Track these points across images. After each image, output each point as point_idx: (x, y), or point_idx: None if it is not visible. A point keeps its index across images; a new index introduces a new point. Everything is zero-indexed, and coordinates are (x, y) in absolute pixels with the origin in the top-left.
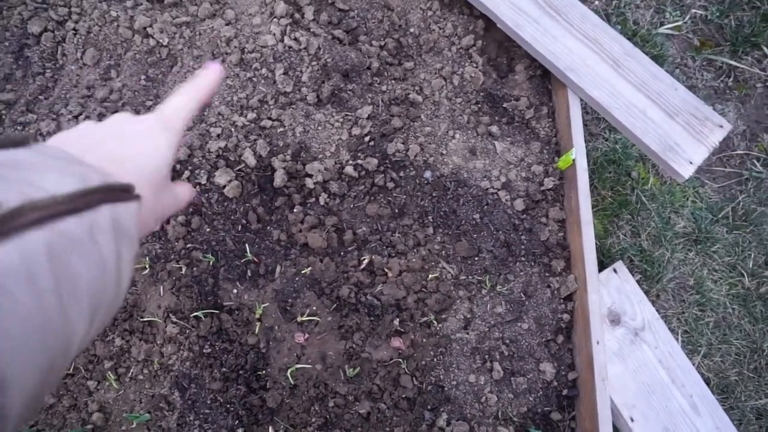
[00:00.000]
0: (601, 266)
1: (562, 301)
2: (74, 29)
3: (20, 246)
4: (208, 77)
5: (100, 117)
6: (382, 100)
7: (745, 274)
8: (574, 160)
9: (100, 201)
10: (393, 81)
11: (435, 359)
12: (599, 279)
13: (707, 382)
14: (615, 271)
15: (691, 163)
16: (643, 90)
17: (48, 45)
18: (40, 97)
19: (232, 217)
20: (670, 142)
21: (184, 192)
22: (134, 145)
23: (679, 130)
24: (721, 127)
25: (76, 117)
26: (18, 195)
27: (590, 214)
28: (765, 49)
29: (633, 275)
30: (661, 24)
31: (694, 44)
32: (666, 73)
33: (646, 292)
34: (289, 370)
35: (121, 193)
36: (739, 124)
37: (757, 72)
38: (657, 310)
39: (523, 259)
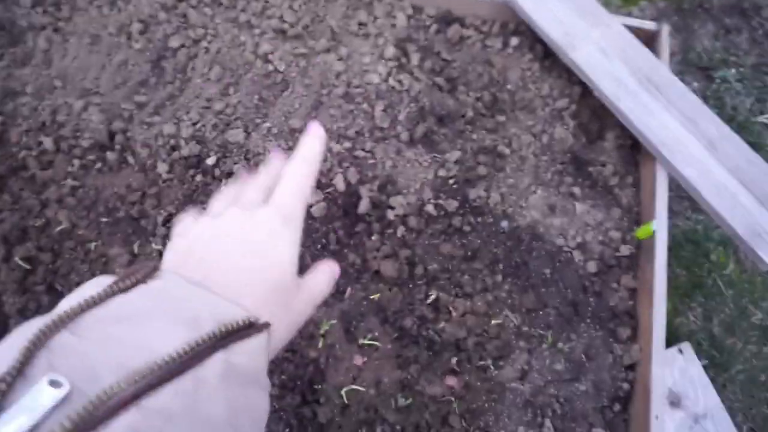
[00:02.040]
0: (667, 344)
1: (623, 369)
2: (206, 48)
3: None
4: (314, 148)
5: (214, 127)
6: (471, 148)
7: None
8: (654, 231)
9: (211, 350)
10: (484, 131)
11: (486, 405)
12: (664, 357)
13: None
14: (680, 351)
15: None
16: (737, 174)
17: (182, 59)
18: (167, 102)
19: (314, 236)
20: (758, 229)
21: (322, 280)
22: (255, 254)
23: None
24: None
25: (194, 124)
26: (114, 366)
27: (665, 287)
28: None
29: (700, 359)
30: (761, 113)
31: None
32: (762, 160)
33: (712, 380)
34: (344, 390)
35: (243, 331)
36: None
37: None
38: (722, 401)
39: (588, 320)
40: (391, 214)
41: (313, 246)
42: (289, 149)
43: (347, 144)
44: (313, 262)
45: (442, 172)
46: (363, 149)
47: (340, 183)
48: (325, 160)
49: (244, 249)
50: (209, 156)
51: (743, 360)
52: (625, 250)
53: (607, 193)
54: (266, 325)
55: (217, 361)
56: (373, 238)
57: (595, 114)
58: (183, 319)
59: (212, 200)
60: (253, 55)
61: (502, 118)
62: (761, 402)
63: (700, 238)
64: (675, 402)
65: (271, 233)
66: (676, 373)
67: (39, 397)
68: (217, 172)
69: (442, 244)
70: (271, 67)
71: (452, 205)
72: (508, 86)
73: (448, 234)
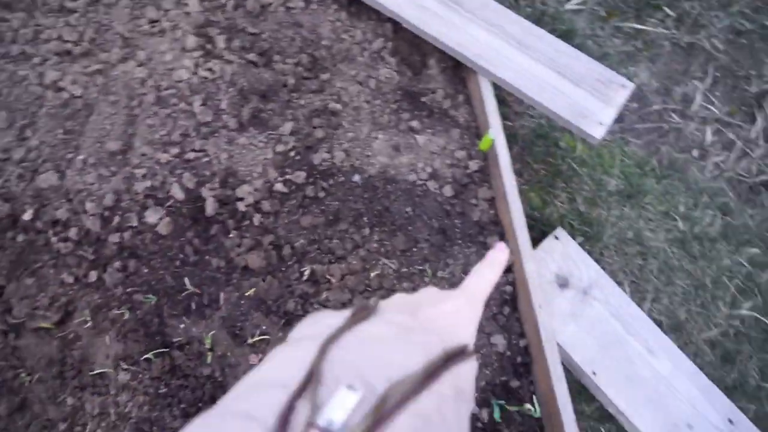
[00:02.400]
0: (544, 236)
1: (503, 274)
2: None
3: None
4: (499, 259)
5: (20, 178)
6: (303, 115)
7: (678, 218)
8: (493, 140)
9: (442, 369)
10: (311, 94)
11: None
12: (543, 247)
13: (659, 324)
14: (556, 237)
15: (601, 124)
16: (549, 64)
17: None
18: None
19: (169, 254)
20: (579, 108)
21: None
22: (447, 316)
23: (587, 96)
24: (624, 87)
25: None
26: (381, 379)
27: (515, 187)
28: (666, 9)
29: (575, 239)
30: (568, 1)
31: (601, 15)
32: (568, 46)
33: (590, 252)
34: None
35: (460, 355)
36: (652, 81)
37: (662, 31)
38: (602, 267)
39: (459, 242)
40: (241, 206)
41: (171, 264)
42: (112, 175)
43: (174, 150)
44: (176, 281)
45: (280, 148)
46: (193, 150)
47: (177, 192)
48: (155, 173)
49: (437, 311)
50: (24, 210)
51: (611, 225)
52: (473, 165)
53: (444, 117)
54: (473, 354)
55: (448, 379)
56: (231, 235)
57: (412, 45)
58: (415, 343)
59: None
60: (40, 87)
61: (325, 76)
62: (634, 256)
63: (546, 131)
64: (563, 284)
65: (459, 307)
66: (558, 258)
67: (345, 399)
68: (39, 224)
69: (302, 218)
70: (65, 95)
71: (300, 176)
72: (323, 42)
73: (305, 206)
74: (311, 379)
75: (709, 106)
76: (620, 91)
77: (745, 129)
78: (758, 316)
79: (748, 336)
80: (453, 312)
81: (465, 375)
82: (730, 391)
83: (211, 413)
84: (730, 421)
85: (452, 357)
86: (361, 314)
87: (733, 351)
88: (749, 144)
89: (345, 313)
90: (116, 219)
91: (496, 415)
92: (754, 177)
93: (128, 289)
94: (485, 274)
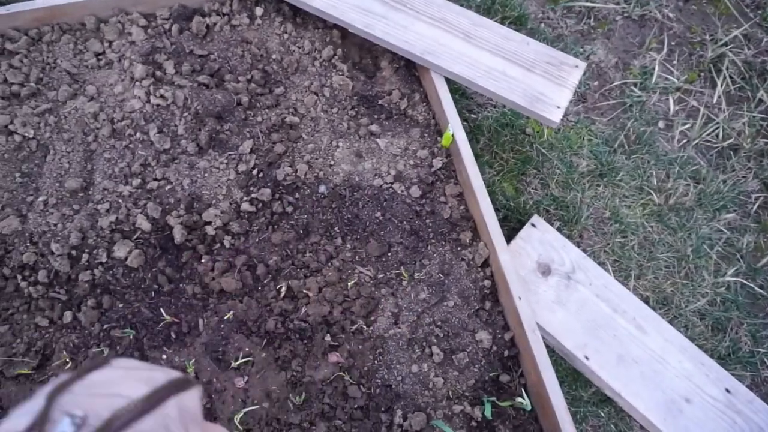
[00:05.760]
0: (521, 225)
1: (479, 269)
2: None
3: None
4: None
5: None
6: (261, 131)
7: (652, 191)
8: (453, 135)
9: (166, 396)
10: (267, 109)
11: (375, 362)
12: (521, 237)
13: (646, 301)
14: (533, 225)
15: (558, 107)
16: (499, 53)
17: None
18: None
19: (143, 286)
20: (534, 93)
21: None
22: None
23: (540, 80)
24: (577, 67)
25: None
26: (105, 408)
27: (481, 180)
28: None
29: (552, 224)
30: None
31: None
32: (516, 32)
33: (569, 236)
34: (237, 417)
35: (183, 384)
36: (610, 58)
37: (612, 7)
38: (583, 249)
39: (433, 241)
40: (210, 230)
41: (146, 296)
42: (75, 213)
43: (136, 181)
44: (152, 312)
45: (242, 167)
46: (155, 179)
47: (144, 223)
48: (119, 207)
49: None
50: None
51: (586, 207)
52: (437, 163)
53: (403, 118)
54: (197, 383)
55: (173, 403)
56: (203, 260)
57: (362, 49)
58: (143, 379)
59: None
60: None
61: (279, 90)
62: (613, 234)
63: (511, 119)
64: (545, 271)
65: None
66: (537, 246)
67: (66, 425)
68: (6, 271)
69: (272, 235)
70: (18, 138)
71: (266, 193)
72: (273, 56)
73: (274, 222)
74: (41, 421)
75: (669, 76)
76: (573, 71)
77: (707, 95)
78: (743, 281)
79: (735, 302)
80: None
81: (190, 398)
82: (724, 360)
83: None
84: (728, 391)
85: (176, 385)
86: (91, 365)
87: (722, 319)
88: (712, 109)
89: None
90: (85, 257)
91: (487, 412)
92: (721, 142)
93: (105, 326)
94: None
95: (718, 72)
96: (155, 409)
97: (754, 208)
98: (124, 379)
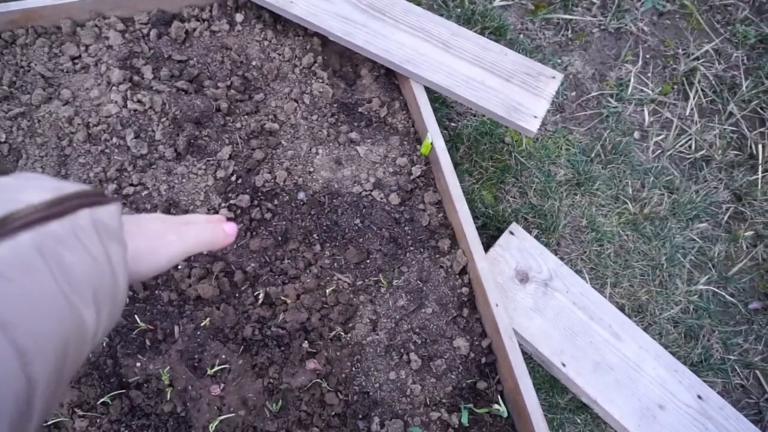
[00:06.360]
0: (500, 232)
1: (457, 276)
2: None
3: (11, 245)
4: (219, 238)
5: None
6: (240, 137)
7: (627, 201)
8: (432, 143)
9: (77, 206)
10: (246, 116)
11: (353, 369)
12: (499, 244)
13: (621, 308)
14: (512, 233)
15: (535, 117)
16: (477, 63)
17: None
18: None
19: None
20: (512, 103)
21: (193, 234)
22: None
23: (518, 90)
24: (554, 78)
25: None
26: (1, 210)
27: (459, 188)
28: None
29: (530, 232)
30: None
31: (529, 9)
32: (495, 43)
33: (546, 244)
34: (212, 425)
35: (97, 197)
36: (587, 69)
37: (589, 19)
38: (560, 257)
39: (411, 248)
40: None
41: None
42: None
43: (112, 186)
44: (126, 319)
45: (220, 173)
46: (131, 184)
47: None
48: None
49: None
50: None
51: (564, 215)
52: (416, 170)
53: (383, 126)
54: (117, 199)
55: (85, 213)
56: (179, 267)
57: (342, 57)
58: (47, 187)
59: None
60: None
61: (259, 96)
62: (590, 242)
63: (490, 128)
64: (523, 278)
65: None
66: (515, 253)
67: None
68: None
69: (250, 242)
70: None
71: (244, 200)
72: (253, 63)
73: (252, 229)
74: None
75: (644, 88)
76: (550, 82)
77: (680, 107)
78: (715, 289)
79: (707, 310)
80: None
81: (107, 212)
82: (696, 366)
83: None
84: (700, 397)
85: (88, 195)
86: None
87: (695, 327)
88: (685, 121)
89: None
90: None
91: (464, 419)
92: (693, 153)
93: None
94: (198, 238)
95: (690, 85)
96: (63, 217)
97: (725, 218)
98: (26, 188)
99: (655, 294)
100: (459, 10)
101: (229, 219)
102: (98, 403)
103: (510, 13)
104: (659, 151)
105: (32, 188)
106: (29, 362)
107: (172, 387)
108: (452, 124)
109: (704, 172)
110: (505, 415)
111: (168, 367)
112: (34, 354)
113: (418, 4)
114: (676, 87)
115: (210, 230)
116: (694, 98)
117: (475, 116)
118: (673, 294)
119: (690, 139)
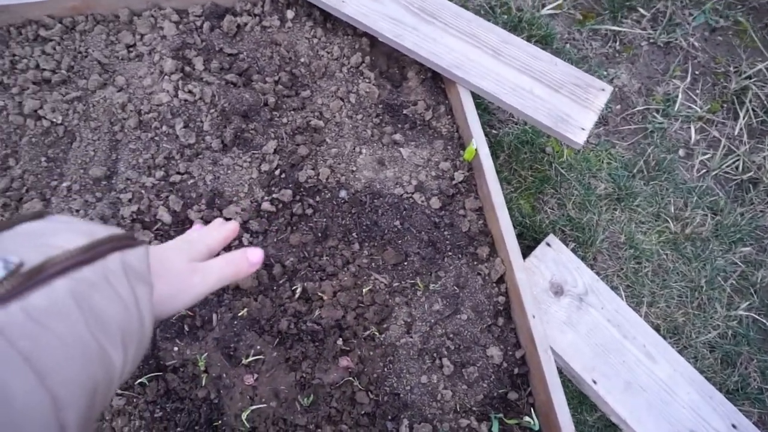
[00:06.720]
0: (536, 243)
1: (494, 284)
2: None
3: (48, 292)
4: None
5: (5, 207)
6: (285, 132)
7: (669, 219)
8: (476, 149)
9: (109, 250)
10: (292, 112)
11: (385, 369)
12: (535, 255)
13: (657, 329)
14: (548, 244)
15: (583, 129)
16: (526, 71)
17: None
18: None
19: None
20: (560, 114)
21: (218, 266)
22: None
23: (566, 101)
24: (603, 90)
25: None
26: (39, 255)
27: (501, 196)
28: (641, 10)
29: (567, 245)
30: (543, 6)
31: (577, 18)
32: (544, 52)
33: (583, 258)
34: (244, 414)
35: (127, 240)
36: (633, 83)
37: (639, 32)
38: (597, 272)
39: (449, 253)
40: None
41: None
42: (98, 201)
43: (159, 173)
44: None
45: (265, 167)
46: (178, 172)
47: (165, 215)
48: (141, 197)
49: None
50: None
51: (602, 230)
52: (459, 176)
53: (427, 129)
54: (144, 242)
55: (116, 257)
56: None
57: (390, 58)
58: (80, 231)
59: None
60: (20, 116)
61: (306, 93)
62: (628, 259)
63: (532, 137)
64: (558, 291)
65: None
66: (551, 265)
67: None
68: None
69: (291, 236)
70: (46, 123)
71: (287, 194)
72: (301, 60)
73: (293, 224)
74: None
75: (692, 105)
76: (600, 95)
77: (729, 126)
78: (756, 316)
79: (746, 337)
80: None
81: (135, 256)
82: (732, 394)
83: None
84: (734, 426)
85: (119, 239)
86: (22, 217)
87: (732, 353)
88: (733, 141)
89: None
90: None
91: (495, 429)
92: (740, 174)
93: None
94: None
95: (741, 104)
96: (95, 262)
97: None
98: (60, 231)
99: (692, 316)
100: (506, 16)
101: (269, 213)
102: (136, 383)
103: (557, 21)
104: (704, 171)
105: (66, 232)
106: (62, 408)
107: (207, 373)
108: (493, 131)
109: (751, 195)
110: (537, 428)
111: (204, 354)
112: (68, 401)
113: (466, 10)
114: (725, 105)
115: (234, 265)
116: (744, 118)
117: (516, 124)
118: (712, 318)
119: (738, 160)
